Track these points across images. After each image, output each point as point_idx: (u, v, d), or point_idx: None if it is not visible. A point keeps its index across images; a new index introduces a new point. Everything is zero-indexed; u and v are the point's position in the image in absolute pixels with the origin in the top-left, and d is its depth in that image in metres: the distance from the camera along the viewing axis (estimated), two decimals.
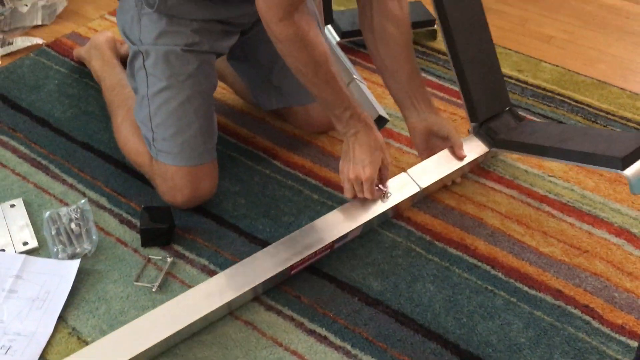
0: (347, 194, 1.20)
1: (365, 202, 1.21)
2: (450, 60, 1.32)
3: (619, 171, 1.11)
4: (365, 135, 1.17)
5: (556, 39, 1.95)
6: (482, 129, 1.34)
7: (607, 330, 1.10)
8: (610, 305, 1.14)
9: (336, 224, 1.17)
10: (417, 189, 1.25)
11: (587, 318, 1.12)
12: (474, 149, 1.33)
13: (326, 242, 1.13)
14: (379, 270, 1.19)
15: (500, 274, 1.19)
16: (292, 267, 1.11)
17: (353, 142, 1.17)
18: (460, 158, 1.30)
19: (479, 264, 1.21)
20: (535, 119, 1.59)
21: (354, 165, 1.17)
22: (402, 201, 1.24)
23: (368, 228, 1.24)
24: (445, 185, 1.35)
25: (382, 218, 1.25)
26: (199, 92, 1.22)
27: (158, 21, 1.20)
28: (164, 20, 1.20)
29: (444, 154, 1.31)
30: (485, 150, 1.34)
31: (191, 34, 1.21)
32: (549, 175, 1.42)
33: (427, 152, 1.32)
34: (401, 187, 1.25)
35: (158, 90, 1.21)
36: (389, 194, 1.21)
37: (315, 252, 1.12)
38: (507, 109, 1.38)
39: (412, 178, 1.26)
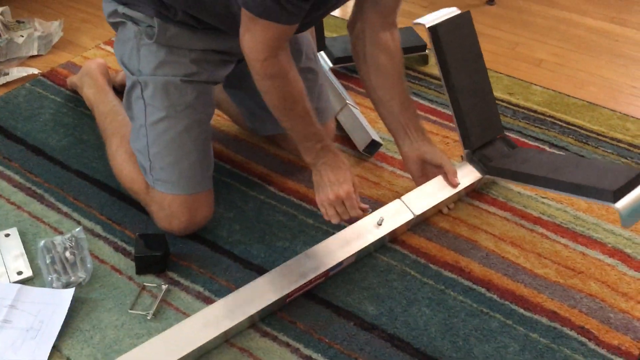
0: (333, 219, 1.21)
1: (358, 229, 1.21)
2: (445, 88, 1.34)
3: (610, 204, 1.12)
4: (333, 160, 1.20)
5: (546, 62, 1.98)
6: (476, 156, 1.36)
7: (603, 352, 1.10)
8: (606, 326, 1.14)
9: (331, 252, 1.17)
10: (411, 216, 1.26)
11: (583, 339, 1.12)
12: (467, 175, 1.35)
13: (321, 271, 1.14)
14: (374, 294, 1.19)
15: (495, 296, 1.19)
16: (288, 295, 1.11)
17: (324, 169, 1.20)
18: (454, 186, 1.32)
19: (474, 286, 1.21)
20: (527, 141, 1.60)
21: (330, 188, 1.19)
22: (397, 228, 1.25)
23: (363, 254, 1.24)
24: (439, 210, 1.36)
25: (377, 245, 1.25)
26: (197, 121, 1.23)
27: (157, 52, 1.21)
28: (162, 51, 1.21)
29: (438, 180, 1.32)
30: (479, 177, 1.36)
31: (190, 64, 1.22)
32: (542, 197, 1.42)
33: (422, 178, 1.34)
34: (395, 214, 1.25)
35: (157, 120, 1.21)
36: (369, 210, 1.23)
37: (311, 280, 1.13)
38: (499, 136, 1.40)
39: (406, 205, 1.27)
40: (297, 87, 1.14)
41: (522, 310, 1.17)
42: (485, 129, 1.38)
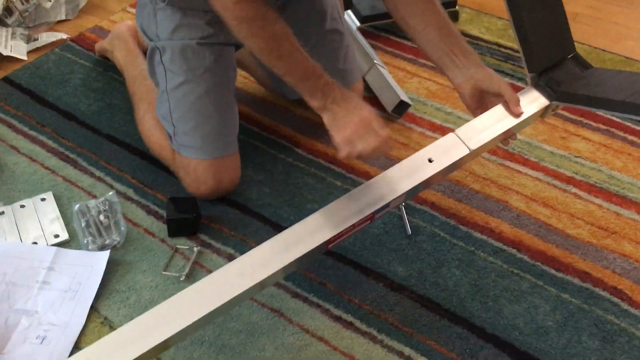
0: (361, 146, 1.03)
1: (407, 167, 1.06)
2: (507, 3, 1.12)
3: None
4: (341, 95, 1.07)
5: (582, 16, 1.91)
6: (542, 80, 1.16)
7: (637, 312, 1.09)
8: (639, 287, 1.13)
9: (377, 192, 1.03)
10: (466, 151, 1.08)
11: (616, 300, 1.11)
12: (532, 102, 1.15)
13: (366, 214, 1.01)
14: (403, 255, 1.19)
15: (526, 257, 1.18)
16: (329, 242, 1.01)
17: (335, 107, 1.06)
18: (517, 115, 1.12)
19: (504, 247, 1.20)
20: None
21: (349, 118, 1.04)
22: (450, 165, 1.08)
23: (412, 195, 1.12)
24: (505, 139, 1.17)
25: (428, 184, 1.11)
26: (218, 84, 1.23)
27: (172, 15, 1.21)
28: (178, 14, 1.21)
29: (498, 109, 1.13)
30: (546, 103, 1.15)
31: (206, 26, 1.21)
32: (576, 156, 1.40)
33: (481, 110, 1.16)
34: (448, 150, 1.07)
35: (176, 85, 1.22)
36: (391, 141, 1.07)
37: (354, 224, 1.02)
38: (570, 55, 1.20)
39: (460, 139, 1.09)
40: (278, 24, 1.05)
41: (553, 271, 1.16)
42: (553, 48, 1.18)
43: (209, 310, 0.92)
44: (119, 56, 1.53)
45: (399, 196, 1.04)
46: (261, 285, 0.97)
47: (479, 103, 1.15)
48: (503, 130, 1.11)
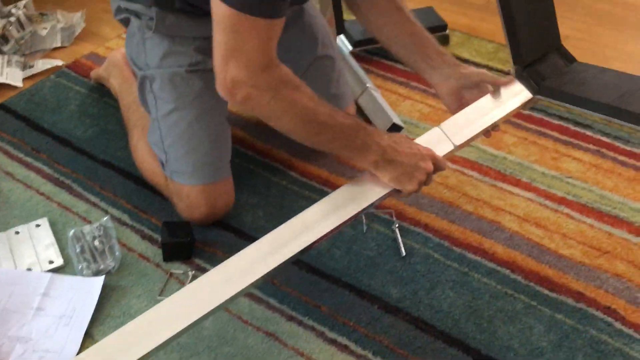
0: (427, 185, 1.03)
1: None
2: None
3: None
4: (390, 142, 1.01)
5: (571, 38, 1.94)
6: (526, 72, 1.15)
7: (630, 332, 1.10)
8: (633, 306, 1.14)
9: (367, 190, 1.03)
10: (451, 147, 1.10)
11: (610, 320, 1.11)
12: (515, 95, 1.15)
13: (356, 211, 1.01)
14: (397, 277, 1.19)
15: (519, 278, 1.19)
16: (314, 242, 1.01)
17: (391, 159, 1.00)
18: (505, 83, 1.14)
19: (498, 268, 1.21)
20: (551, 120, 1.58)
21: (411, 166, 1.00)
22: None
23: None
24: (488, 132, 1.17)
25: None
26: (208, 110, 1.23)
27: (161, 43, 1.22)
28: (166, 41, 1.22)
29: (480, 103, 1.13)
30: (529, 97, 1.16)
31: (194, 53, 1.22)
32: (567, 177, 1.41)
33: (462, 108, 1.17)
34: (433, 146, 1.08)
35: (167, 113, 1.23)
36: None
37: (346, 221, 1.01)
38: (556, 48, 1.19)
39: (445, 133, 1.10)
40: (308, 89, 1.00)
41: (547, 292, 1.16)
42: (540, 41, 1.17)
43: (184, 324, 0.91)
44: (115, 83, 1.55)
45: (386, 194, 1.05)
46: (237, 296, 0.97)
47: (459, 102, 1.17)
48: (486, 125, 1.12)
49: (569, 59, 1.21)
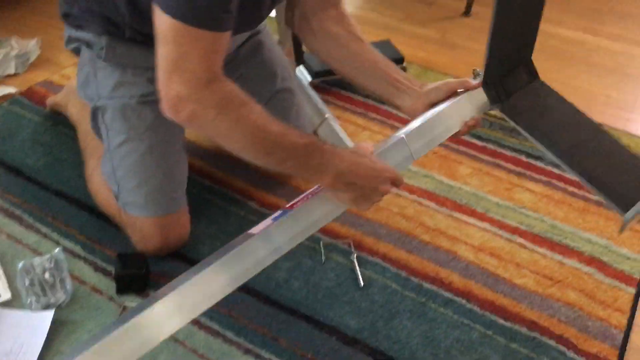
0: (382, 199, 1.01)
1: None
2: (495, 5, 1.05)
3: (620, 213, 1.02)
4: (348, 162, 0.98)
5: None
6: (493, 84, 1.12)
7: None
8: (585, 335, 1.16)
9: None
10: (410, 161, 1.07)
11: (562, 348, 1.13)
12: (478, 105, 1.12)
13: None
14: (356, 308, 1.19)
15: (475, 307, 1.20)
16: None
17: (348, 176, 0.97)
18: (476, 87, 1.11)
19: (455, 298, 1.22)
20: (505, 152, 1.62)
21: (367, 187, 0.98)
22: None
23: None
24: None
25: None
26: (161, 142, 1.21)
27: (112, 74, 1.21)
28: (117, 72, 1.20)
29: (443, 113, 1.09)
30: (489, 108, 1.14)
31: (146, 83, 1.20)
32: (520, 207, 1.44)
33: None
34: (394, 157, 1.04)
35: (118, 144, 1.21)
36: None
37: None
38: (525, 62, 1.17)
39: (408, 147, 1.06)
40: (257, 106, 0.95)
41: (502, 321, 1.18)
42: (516, 54, 1.14)
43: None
44: (73, 111, 1.52)
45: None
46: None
47: None
48: (447, 137, 1.10)
49: (533, 74, 1.18)
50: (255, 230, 0.97)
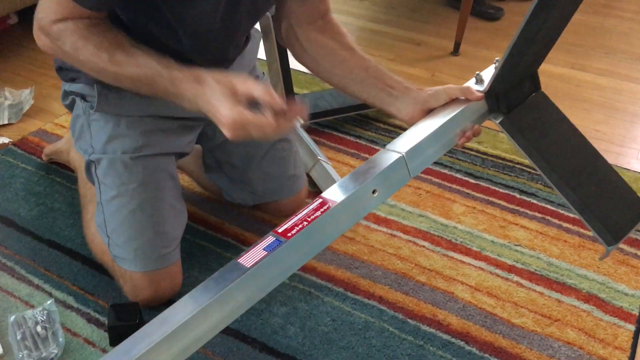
0: (256, 130, 0.88)
1: (353, 201, 0.93)
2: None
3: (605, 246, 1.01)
4: (206, 76, 0.93)
5: None
6: (497, 96, 1.06)
7: None
8: None
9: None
10: (407, 179, 0.99)
11: None
12: (479, 114, 1.07)
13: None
14: (353, 354, 1.17)
15: (474, 349, 1.19)
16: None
17: (202, 94, 0.92)
18: (479, 98, 1.04)
19: (453, 340, 1.21)
20: (498, 189, 1.62)
21: (224, 100, 0.89)
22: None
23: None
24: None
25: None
26: (152, 198, 1.20)
27: (105, 126, 1.19)
28: (110, 123, 1.19)
29: (443, 126, 1.02)
30: (488, 119, 1.09)
31: (140, 136, 1.18)
32: (515, 245, 1.44)
33: None
34: (392, 179, 0.97)
35: (110, 198, 1.20)
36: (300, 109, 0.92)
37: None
38: (531, 74, 1.12)
39: (406, 165, 0.98)
40: (112, 32, 0.99)
41: None
42: (528, 67, 1.08)
43: None
44: (76, 157, 1.50)
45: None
46: None
47: None
48: (445, 151, 1.04)
49: (536, 85, 1.13)
50: (245, 261, 0.93)
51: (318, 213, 0.93)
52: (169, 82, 0.95)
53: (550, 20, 1.00)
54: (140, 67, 0.97)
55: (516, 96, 1.08)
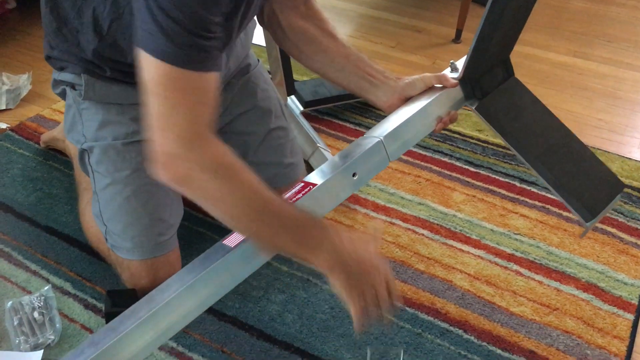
0: (375, 314, 0.92)
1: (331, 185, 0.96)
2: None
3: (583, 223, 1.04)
4: (346, 236, 0.91)
5: None
6: (470, 82, 1.09)
7: None
8: None
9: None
10: (386, 163, 1.02)
11: None
12: (453, 101, 1.09)
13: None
14: (351, 341, 1.17)
15: (472, 338, 1.19)
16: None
17: (347, 252, 0.90)
18: (453, 85, 1.07)
19: (451, 328, 1.20)
20: (498, 177, 1.62)
21: (364, 279, 0.89)
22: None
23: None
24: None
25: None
26: (147, 184, 1.18)
27: (96, 114, 1.18)
28: (101, 111, 1.17)
29: (421, 112, 1.05)
30: (464, 104, 1.11)
31: (130, 122, 1.17)
32: (515, 234, 1.43)
33: None
34: (372, 163, 1.00)
35: (104, 187, 1.19)
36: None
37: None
38: (504, 60, 1.14)
39: (385, 149, 1.01)
40: (253, 175, 0.87)
41: (499, 351, 1.16)
42: (498, 54, 1.11)
43: None
44: (71, 145, 1.50)
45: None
46: None
47: None
48: (423, 136, 1.07)
49: (509, 72, 1.16)
50: (230, 241, 0.93)
51: (300, 195, 0.94)
52: (322, 227, 0.90)
53: (512, 4, 1.02)
54: (299, 210, 0.91)
55: (490, 82, 1.11)
